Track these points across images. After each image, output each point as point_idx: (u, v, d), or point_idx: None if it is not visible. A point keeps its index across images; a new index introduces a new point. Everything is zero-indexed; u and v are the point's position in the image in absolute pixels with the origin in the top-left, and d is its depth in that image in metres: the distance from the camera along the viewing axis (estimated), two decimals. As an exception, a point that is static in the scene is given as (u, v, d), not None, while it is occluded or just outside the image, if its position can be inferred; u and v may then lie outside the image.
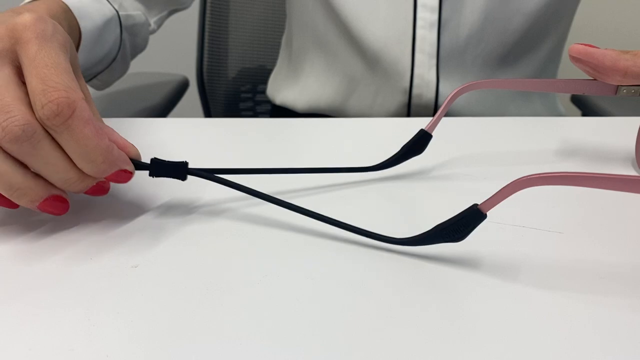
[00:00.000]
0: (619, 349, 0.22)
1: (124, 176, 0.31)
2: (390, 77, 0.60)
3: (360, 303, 0.25)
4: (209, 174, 0.32)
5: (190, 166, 0.32)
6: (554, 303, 0.25)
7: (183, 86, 0.87)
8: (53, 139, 0.28)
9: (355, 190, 0.36)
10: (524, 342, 0.23)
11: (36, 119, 0.27)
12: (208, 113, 0.91)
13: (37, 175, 0.29)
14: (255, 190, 0.31)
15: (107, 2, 0.52)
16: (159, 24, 0.62)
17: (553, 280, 0.27)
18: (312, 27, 0.65)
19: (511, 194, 0.24)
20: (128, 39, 0.56)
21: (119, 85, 0.62)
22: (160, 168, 0.31)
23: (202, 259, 0.28)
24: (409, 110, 0.61)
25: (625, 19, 1.18)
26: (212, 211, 0.33)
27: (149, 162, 0.31)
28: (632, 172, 0.38)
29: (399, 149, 0.37)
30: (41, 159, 0.28)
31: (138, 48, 0.60)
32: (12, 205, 0.30)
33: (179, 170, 0.32)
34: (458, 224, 0.26)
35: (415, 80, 0.59)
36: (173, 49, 1.11)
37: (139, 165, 0.31)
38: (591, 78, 0.36)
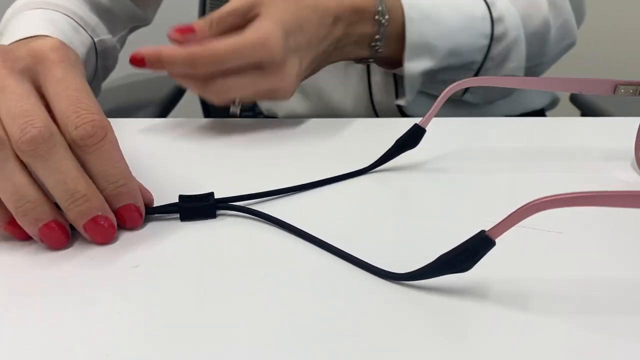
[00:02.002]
0: (620, 350, 0.22)
1: (133, 215, 0.30)
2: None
3: (361, 303, 0.25)
4: (239, 206, 0.32)
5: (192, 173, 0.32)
6: (553, 306, 0.25)
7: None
8: (68, 147, 0.29)
9: (350, 186, 0.36)
10: (521, 345, 0.23)
11: (54, 123, 0.28)
12: (208, 113, 0.91)
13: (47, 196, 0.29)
14: (287, 223, 0.31)
15: (84, 30, 0.51)
16: (122, 42, 0.62)
17: (552, 282, 0.27)
18: None
19: (523, 219, 0.22)
20: (100, 65, 0.56)
21: (118, 85, 0.62)
22: (189, 211, 0.32)
23: (202, 258, 0.28)
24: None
25: (624, 20, 1.19)
26: (211, 211, 0.33)
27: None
28: (632, 172, 0.38)
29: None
30: (54, 164, 0.28)
31: (108, 70, 0.60)
32: (22, 233, 0.29)
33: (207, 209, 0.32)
34: (465, 254, 0.24)
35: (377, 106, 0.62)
36: (173, 49, 1.11)
37: (166, 209, 0.32)
38: (589, 77, 0.36)
